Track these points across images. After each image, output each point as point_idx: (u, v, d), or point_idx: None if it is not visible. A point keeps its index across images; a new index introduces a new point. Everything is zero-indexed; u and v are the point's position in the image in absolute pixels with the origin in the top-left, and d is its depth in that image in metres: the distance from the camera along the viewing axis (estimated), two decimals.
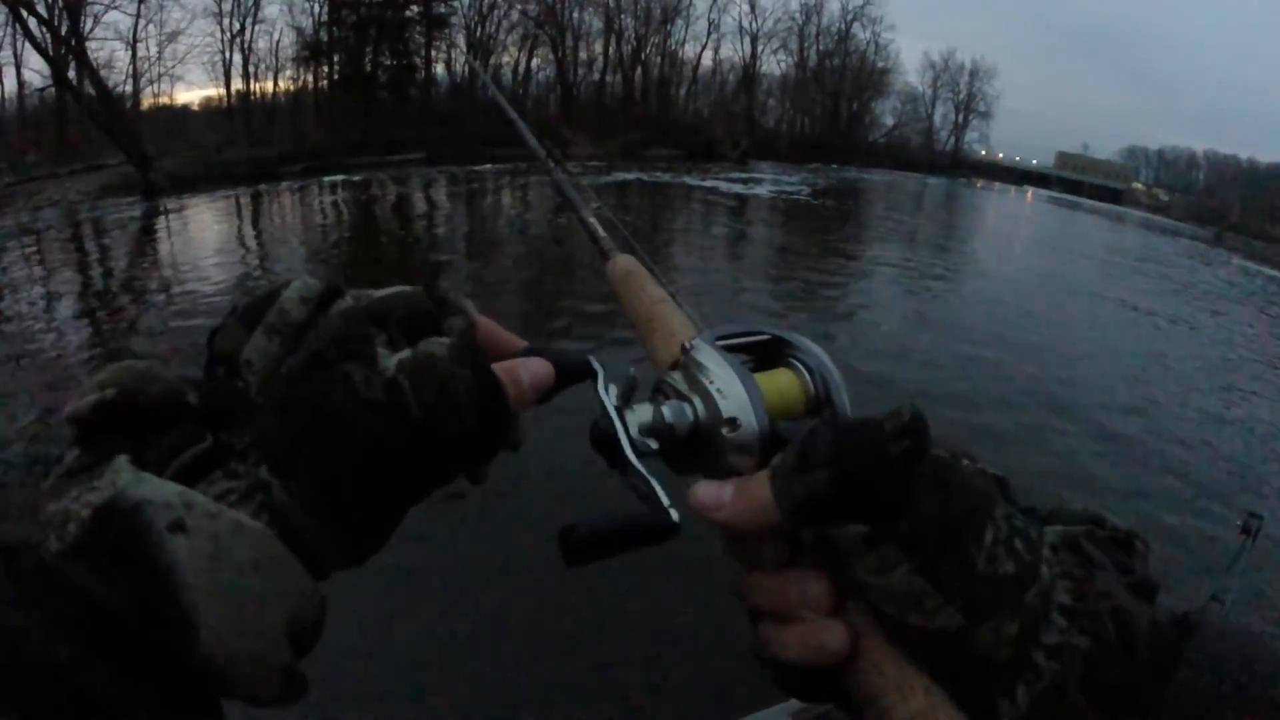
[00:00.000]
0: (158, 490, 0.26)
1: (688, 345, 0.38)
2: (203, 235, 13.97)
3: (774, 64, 40.80)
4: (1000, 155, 50.91)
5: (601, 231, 0.65)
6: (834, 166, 33.94)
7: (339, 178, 20.31)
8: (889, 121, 44.77)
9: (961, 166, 44.34)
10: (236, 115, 27.35)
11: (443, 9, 30.33)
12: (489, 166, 22.50)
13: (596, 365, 0.38)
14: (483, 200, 17.91)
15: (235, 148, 23.38)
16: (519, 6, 32.13)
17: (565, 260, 11.28)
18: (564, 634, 3.32)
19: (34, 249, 12.34)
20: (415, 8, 29.65)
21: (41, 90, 22.71)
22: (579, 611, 3.37)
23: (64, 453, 0.29)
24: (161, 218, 15.29)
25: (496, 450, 0.34)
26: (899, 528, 0.30)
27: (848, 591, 0.33)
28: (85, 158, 20.37)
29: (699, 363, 0.37)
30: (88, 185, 18.53)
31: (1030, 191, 42.86)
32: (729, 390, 0.35)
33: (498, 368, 0.34)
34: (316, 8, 27.93)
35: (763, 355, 0.40)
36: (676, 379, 0.38)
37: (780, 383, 0.38)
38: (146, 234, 13.93)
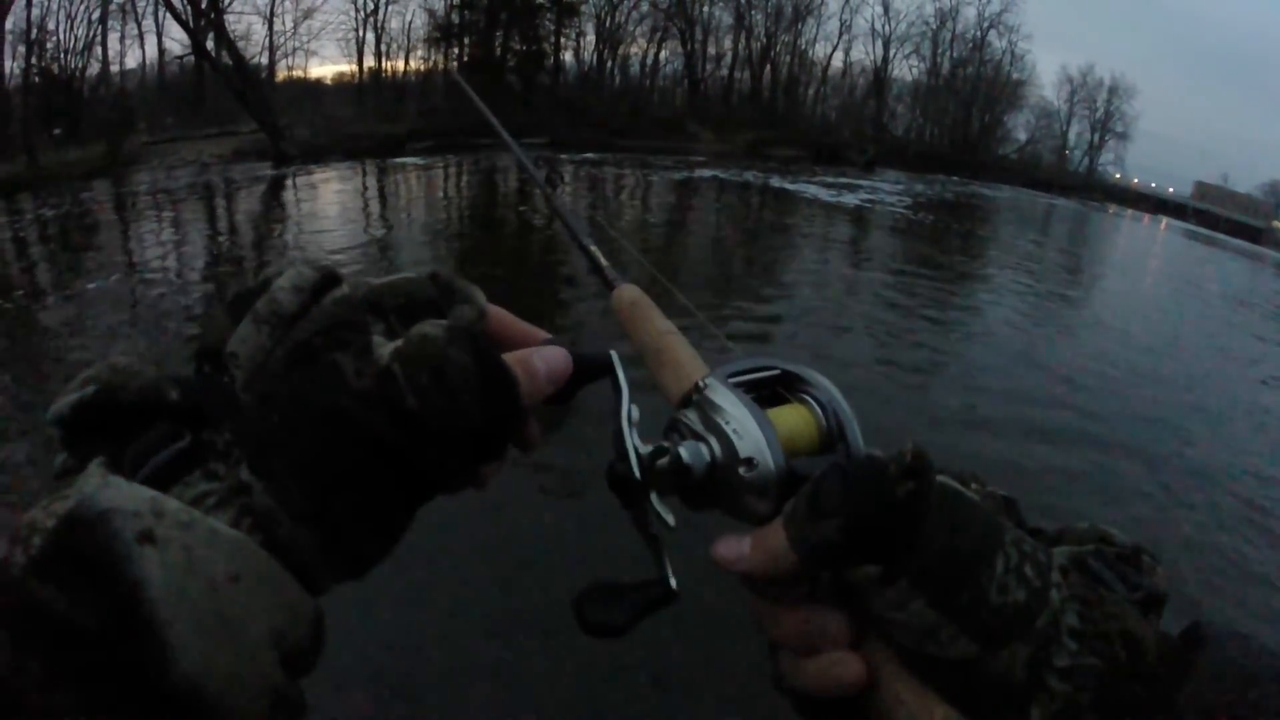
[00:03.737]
0: (126, 497, 0.23)
1: (701, 384, 0.38)
2: (328, 200, 14.10)
3: (906, 69, 38.49)
4: (1135, 180, 46.87)
5: (604, 260, 0.62)
6: (955, 179, 31.30)
7: (463, 157, 20.03)
8: (1021, 136, 41.72)
9: (1094, 189, 40.78)
10: (367, 91, 27.62)
11: None
12: (590, 155, 22.11)
13: (618, 363, 0.36)
14: (603, 186, 16.61)
15: (364, 122, 23.30)
16: None
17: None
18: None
19: (167, 202, 12.73)
20: None
21: (180, 58, 22.83)
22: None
23: (56, 457, 0.28)
24: (290, 182, 15.47)
25: (504, 448, 0.31)
26: (911, 565, 0.30)
27: (866, 624, 0.33)
28: (220, 123, 20.24)
29: (713, 402, 0.36)
30: (220, 149, 18.42)
31: (1164, 222, 38.76)
32: (745, 430, 0.35)
33: (509, 357, 0.31)
34: None
35: (774, 390, 0.40)
36: (691, 418, 0.37)
37: (793, 419, 0.37)
38: (274, 196, 14.24)
